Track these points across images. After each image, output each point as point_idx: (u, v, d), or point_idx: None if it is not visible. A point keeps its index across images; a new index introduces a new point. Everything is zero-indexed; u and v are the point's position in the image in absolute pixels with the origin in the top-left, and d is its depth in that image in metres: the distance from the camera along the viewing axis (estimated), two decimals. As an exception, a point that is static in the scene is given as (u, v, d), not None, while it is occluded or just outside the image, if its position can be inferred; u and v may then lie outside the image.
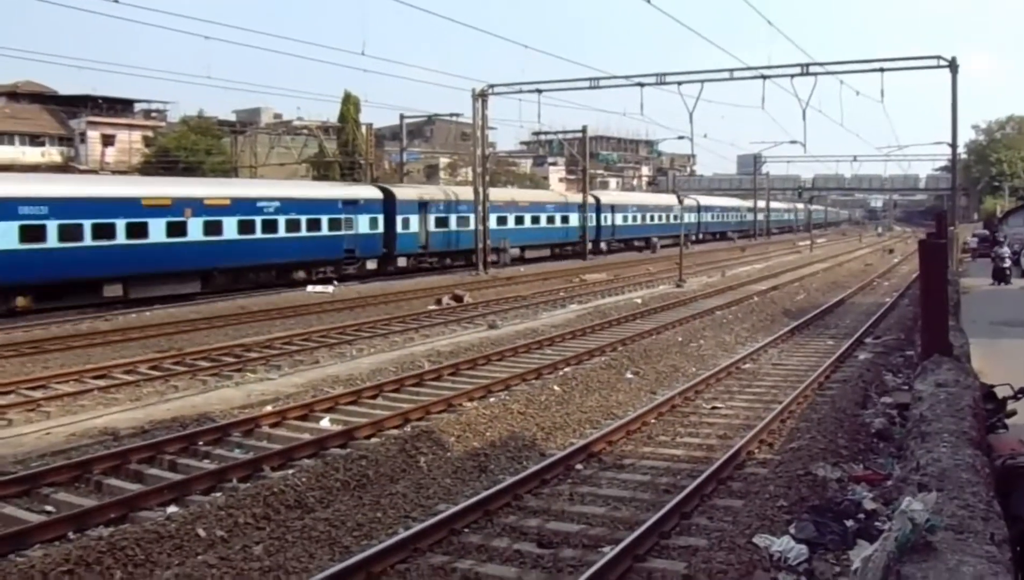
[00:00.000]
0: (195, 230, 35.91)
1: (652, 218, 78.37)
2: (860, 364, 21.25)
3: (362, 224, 44.71)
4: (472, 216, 52.59)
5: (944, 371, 14.50)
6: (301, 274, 42.24)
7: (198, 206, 36.19)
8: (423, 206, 49.87)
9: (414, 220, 48.87)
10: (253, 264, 39.56)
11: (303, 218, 41.21)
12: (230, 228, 37.40)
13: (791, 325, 27.52)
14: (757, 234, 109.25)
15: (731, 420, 15.83)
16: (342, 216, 43.46)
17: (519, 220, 59.17)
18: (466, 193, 54.76)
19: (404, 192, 50.09)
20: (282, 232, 39.98)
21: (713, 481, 11.85)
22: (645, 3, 28.67)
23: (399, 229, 47.56)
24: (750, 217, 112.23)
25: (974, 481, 8.50)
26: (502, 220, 56.64)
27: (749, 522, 10.15)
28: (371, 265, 46.33)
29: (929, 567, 5.82)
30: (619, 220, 72.69)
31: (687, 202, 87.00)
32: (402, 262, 48.59)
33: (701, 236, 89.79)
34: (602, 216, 69.59)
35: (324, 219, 42.58)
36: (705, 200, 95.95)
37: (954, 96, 43.52)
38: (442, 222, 51.51)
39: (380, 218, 46.20)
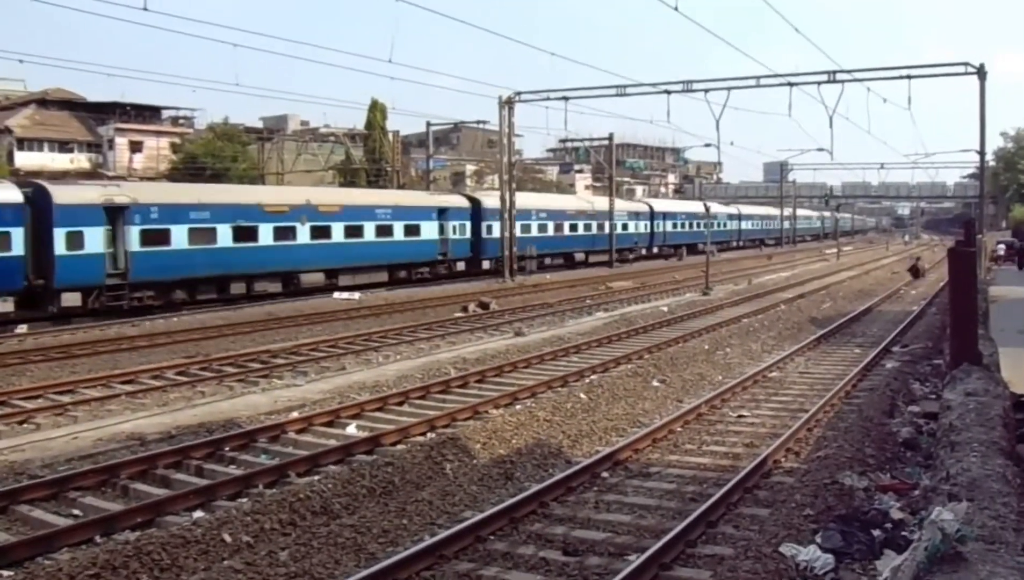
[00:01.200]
0: None
1: (575, 228, 63.31)
2: (887, 373, 21.08)
3: None
4: (222, 227, 36.76)
5: (973, 380, 14.42)
6: None
7: None
8: (116, 213, 33.23)
9: (94, 234, 32.20)
10: None
11: None
12: None
13: (818, 333, 27.33)
14: (736, 246, 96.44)
15: (757, 428, 15.73)
16: None
17: (316, 231, 41.34)
18: (217, 194, 40.64)
19: (69, 192, 33.29)
20: None
21: (739, 490, 11.78)
22: (672, 10, 28.62)
23: (61, 249, 31.07)
24: (732, 226, 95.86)
25: (1005, 491, 8.43)
26: (244, 233, 37.75)
27: (775, 531, 10.07)
28: (3, 307, 30.30)
29: (959, 578, 5.78)
30: (517, 230, 55.19)
31: (635, 207, 75.93)
32: (72, 299, 31.63)
33: (656, 249, 75.33)
34: (483, 225, 53.75)
35: None
36: (661, 205, 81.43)
37: (982, 103, 43.21)
38: (159, 237, 34.42)
39: (18, 233, 30.26)
